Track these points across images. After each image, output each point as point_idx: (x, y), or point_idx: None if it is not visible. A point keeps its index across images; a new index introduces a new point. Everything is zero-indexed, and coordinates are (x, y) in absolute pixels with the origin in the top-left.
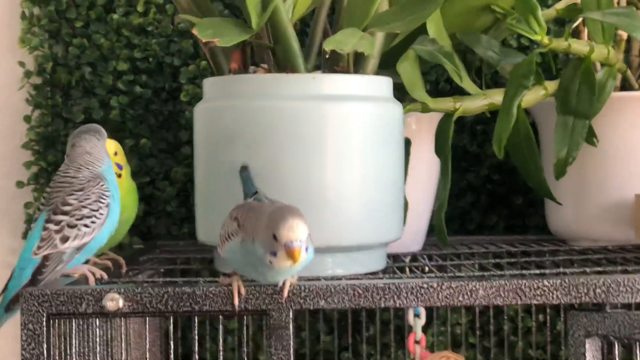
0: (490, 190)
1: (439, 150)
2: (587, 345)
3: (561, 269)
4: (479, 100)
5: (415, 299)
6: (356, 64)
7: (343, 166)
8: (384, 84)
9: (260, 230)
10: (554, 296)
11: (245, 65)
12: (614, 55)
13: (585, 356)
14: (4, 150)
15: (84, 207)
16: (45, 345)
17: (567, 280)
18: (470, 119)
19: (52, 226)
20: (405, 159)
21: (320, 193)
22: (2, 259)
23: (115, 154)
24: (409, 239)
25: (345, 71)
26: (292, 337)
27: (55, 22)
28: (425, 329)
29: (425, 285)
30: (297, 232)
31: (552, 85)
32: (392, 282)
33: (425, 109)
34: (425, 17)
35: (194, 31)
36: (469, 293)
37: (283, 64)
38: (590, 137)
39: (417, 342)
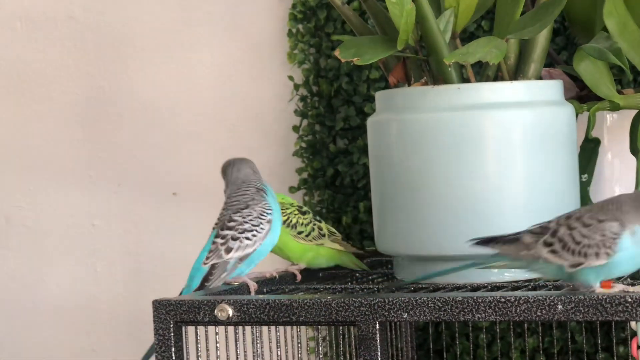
0: None
1: (632, 148)
2: None
3: None
4: None
5: (494, 313)
6: (518, 69)
7: (500, 174)
8: (541, 88)
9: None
10: (637, 313)
11: (407, 78)
12: None
13: None
14: (280, 158)
15: (246, 222)
16: (173, 349)
17: None
18: None
19: (219, 240)
20: (592, 159)
21: (478, 201)
22: None
23: None
24: None
25: (503, 79)
26: (379, 347)
27: (316, 37)
28: None
29: (502, 299)
30: None
31: None
32: (471, 295)
33: (614, 107)
34: (550, 22)
35: (336, 52)
36: (547, 308)
37: (437, 76)
38: None
39: None
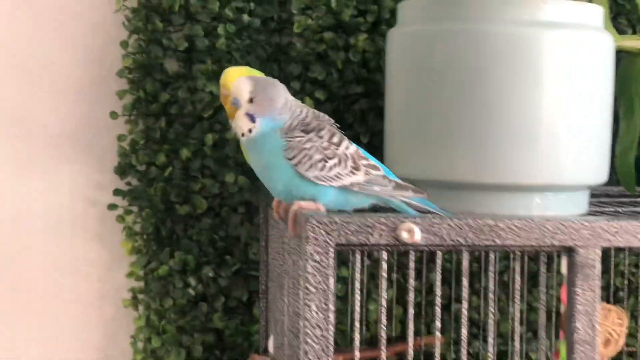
0: None
1: (622, 90)
2: None
3: None
4: None
5: None
6: None
7: (559, 99)
8: (601, 12)
9: None
10: None
11: None
12: None
13: None
14: (94, 76)
15: None
16: (331, 279)
17: None
18: None
19: None
20: None
21: (534, 127)
22: (89, 195)
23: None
24: None
25: None
26: (599, 276)
27: None
28: None
29: None
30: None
31: None
32: None
33: None
34: None
35: None
36: None
37: None
38: None
39: None
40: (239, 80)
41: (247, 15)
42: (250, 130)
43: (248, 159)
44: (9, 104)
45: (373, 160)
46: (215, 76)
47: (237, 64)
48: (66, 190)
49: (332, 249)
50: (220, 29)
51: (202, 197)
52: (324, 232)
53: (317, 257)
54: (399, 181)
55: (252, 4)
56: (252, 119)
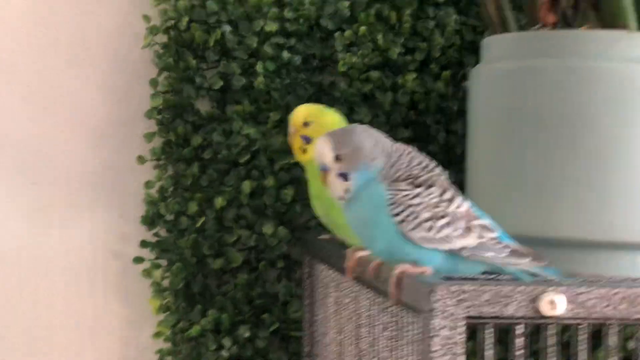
0: None
1: None
2: None
3: None
4: None
5: None
6: None
7: None
8: None
9: None
10: None
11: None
12: None
13: None
14: (119, 116)
15: None
16: (460, 358)
17: None
18: None
19: None
20: None
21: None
22: (112, 247)
23: (306, 124)
24: None
25: None
26: None
27: None
28: None
29: None
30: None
31: None
32: None
33: None
34: None
35: None
36: None
37: (610, 21)
38: None
39: None
40: (317, 144)
41: (287, 52)
42: (347, 191)
43: (345, 221)
44: (26, 147)
45: (487, 221)
46: (252, 118)
47: (275, 104)
48: (87, 241)
49: (462, 323)
50: (258, 67)
51: (237, 250)
52: (452, 303)
53: (444, 333)
54: (516, 245)
55: (292, 40)
56: (344, 177)
